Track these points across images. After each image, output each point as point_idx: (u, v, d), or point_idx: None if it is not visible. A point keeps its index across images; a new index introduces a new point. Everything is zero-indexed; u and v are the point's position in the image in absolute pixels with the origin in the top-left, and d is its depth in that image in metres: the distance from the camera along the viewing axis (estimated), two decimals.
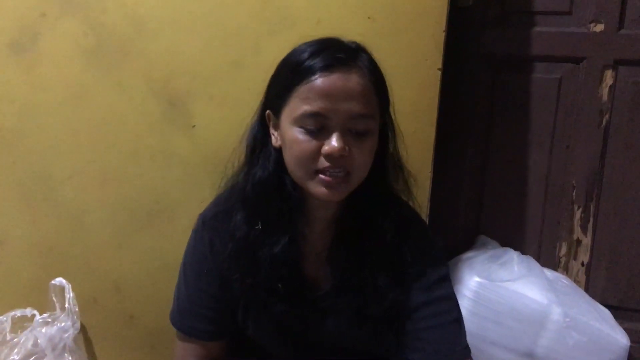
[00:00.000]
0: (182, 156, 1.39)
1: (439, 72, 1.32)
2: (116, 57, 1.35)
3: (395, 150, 1.02)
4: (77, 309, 1.39)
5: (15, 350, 1.33)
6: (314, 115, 0.85)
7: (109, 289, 1.45)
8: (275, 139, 0.95)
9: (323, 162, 0.87)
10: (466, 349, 0.99)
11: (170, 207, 1.41)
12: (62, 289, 1.40)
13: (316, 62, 0.86)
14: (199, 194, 1.36)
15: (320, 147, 0.87)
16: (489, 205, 1.75)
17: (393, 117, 1.00)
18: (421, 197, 1.29)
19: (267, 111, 0.96)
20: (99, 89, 1.36)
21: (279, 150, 0.95)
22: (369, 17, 1.31)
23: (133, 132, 1.38)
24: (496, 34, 1.66)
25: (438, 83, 1.33)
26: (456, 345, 0.99)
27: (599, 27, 1.58)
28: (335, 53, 0.88)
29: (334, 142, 0.85)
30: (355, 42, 0.94)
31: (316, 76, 0.85)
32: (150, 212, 1.42)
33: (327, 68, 0.85)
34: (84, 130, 1.38)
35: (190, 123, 1.37)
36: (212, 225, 1.02)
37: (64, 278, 1.41)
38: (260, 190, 0.96)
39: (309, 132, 0.87)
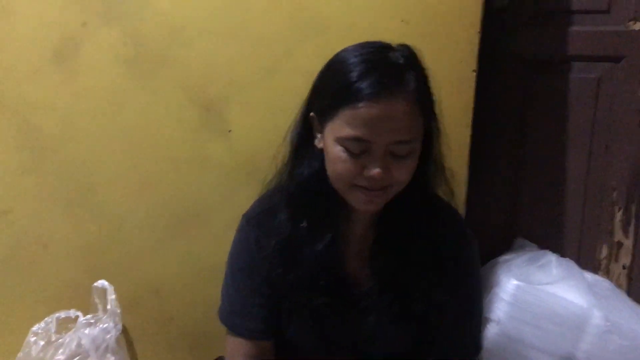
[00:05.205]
0: (218, 161, 1.41)
1: (474, 74, 1.32)
2: (154, 65, 1.38)
3: (439, 152, 1.00)
4: (119, 311, 1.42)
5: (60, 350, 1.37)
6: (357, 139, 0.86)
7: (149, 291, 1.48)
8: (318, 141, 0.96)
9: (362, 181, 0.88)
10: (478, 346, 1.08)
11: (206, 212, 1.43)
12: (104, 291, 1.43)
13: (363, 86, 0.84)
14: (234, 199, 1.38)
15: (361, 168, 0.87)
16: (527, 207, 1.72)
17: (439, 116, 0.98)
18: (457, 199, 1.28)
19: (312, 113, 0.97)
20: (137, 97, 1.40)
21: (322, 151, 0.95)
22: (402, 20, 1.31)
23: (170, 138, 1.41)
24: (532, 34, 1.64)
25: (473, 85, 1.32)
26: (471, 344, 1.07)
27: (638, 25, 1.54)
28: (383, 77, 0.85)
29: (375, 168, 0.86)
30: (403, 53, 0.91)
31: (362, 103, 0.83)
32: (187, 216, 1.44)
33: (374, 96, 0.83)
34: (123, 137, 1.42)
35: (225, 129, 1.39)
36: (256, 223, 1.04)
37: (106, 280, 1.44)
38: (305, 188, 0.98)
39: (351, 154, 0.87)
